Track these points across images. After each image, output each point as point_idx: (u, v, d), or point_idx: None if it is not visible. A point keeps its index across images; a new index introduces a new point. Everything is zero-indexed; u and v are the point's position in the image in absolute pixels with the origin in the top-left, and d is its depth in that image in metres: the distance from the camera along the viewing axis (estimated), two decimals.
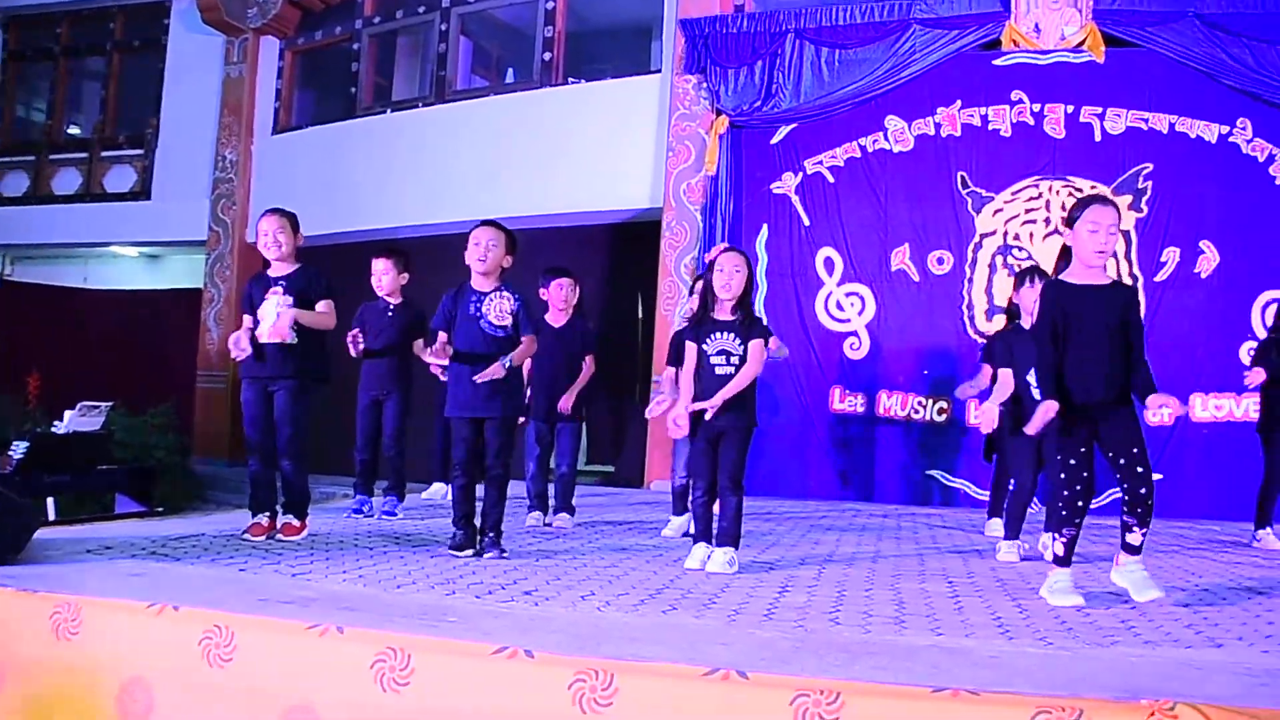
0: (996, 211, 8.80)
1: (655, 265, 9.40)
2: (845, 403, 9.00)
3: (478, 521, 4.87)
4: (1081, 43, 8.73)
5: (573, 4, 10.80)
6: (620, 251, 10.24)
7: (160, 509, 8.89)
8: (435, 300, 4.98)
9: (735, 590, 4.07)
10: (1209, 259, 8.37)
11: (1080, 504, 3.95)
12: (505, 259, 4.91)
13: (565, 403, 6.15)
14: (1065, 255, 4.14)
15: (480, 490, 4.91)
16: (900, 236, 8.89)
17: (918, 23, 8.93)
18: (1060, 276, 4.11)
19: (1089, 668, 2.95)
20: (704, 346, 4.65)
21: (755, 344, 4.63)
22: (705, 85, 9.40)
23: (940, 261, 8.85)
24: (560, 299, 6.32)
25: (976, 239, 8.82)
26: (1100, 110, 8.73)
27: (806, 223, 9.15)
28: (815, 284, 9.00)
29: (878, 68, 8.97)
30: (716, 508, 4.66)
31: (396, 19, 11.76)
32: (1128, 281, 8.39)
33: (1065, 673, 2.87)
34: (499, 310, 4.84)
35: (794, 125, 9.23)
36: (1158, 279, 8.37)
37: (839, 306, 8.96)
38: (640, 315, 9.97)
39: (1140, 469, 3.88)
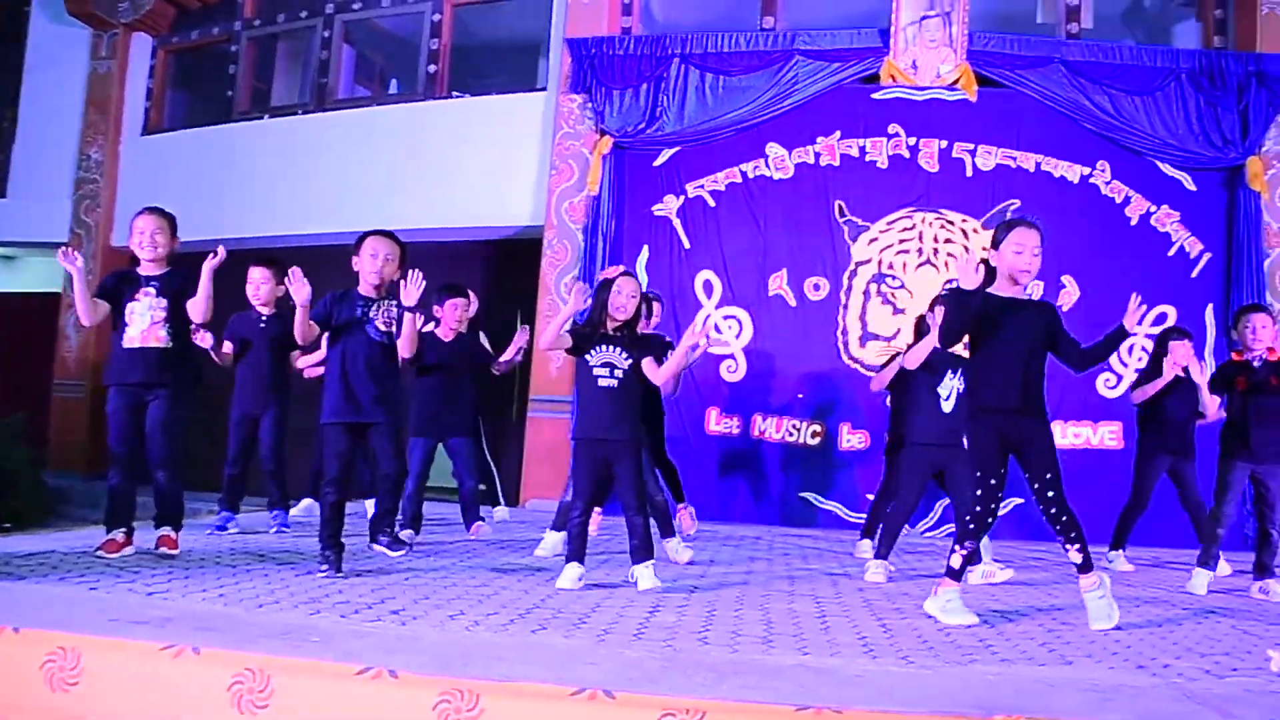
0: (872, 240, 9.03)
1: (535, 283, 9.36)
2: (721, 425, 9.09)
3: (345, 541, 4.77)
4: (956, 81, 9.06)
5: (460, 17, 10.73)
6: (500, 268, 10.16)
7: (8, 525, 8.42)
8: None
9: (606, 610, 4.05)
10: (1070, 293, 8.74)
11: (989, 520, 4.23)
12: (396, 272, 4.86)
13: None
14: (990, 275, 4.35)
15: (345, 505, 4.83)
16: (778, 262, 9.05)
17: (801, 54, 9.13)
18: (986, 290, 4.31)
19: (948, 685, 3.02)
20: (588, 358, 4.66)
21: (647, 362, 4.75)
22: (590, 105, 9.42)
23: (817, 288, 9.03)
24: (454, 318, 6.29)
25: (852, 266, 9.03)
26: (972, 147, 9.06)
27: (687, 245, 9.23)
28: (694, 306, 9.07)
29: (761, 96, 9.13)
30: (593, 528, 4.67)
31: (277, 23, 11.48)
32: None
33: (926, 690, 2.94)
34: (386, 317, 4.81)
35: (677, 148, 9.32)
36: None
37: (717, 329, 9.04)
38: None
39: (1051, 493, 4.15)
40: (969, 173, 9.06)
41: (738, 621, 3.96)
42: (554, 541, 5.79)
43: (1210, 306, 8.82)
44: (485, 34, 11.38)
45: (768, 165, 9.24)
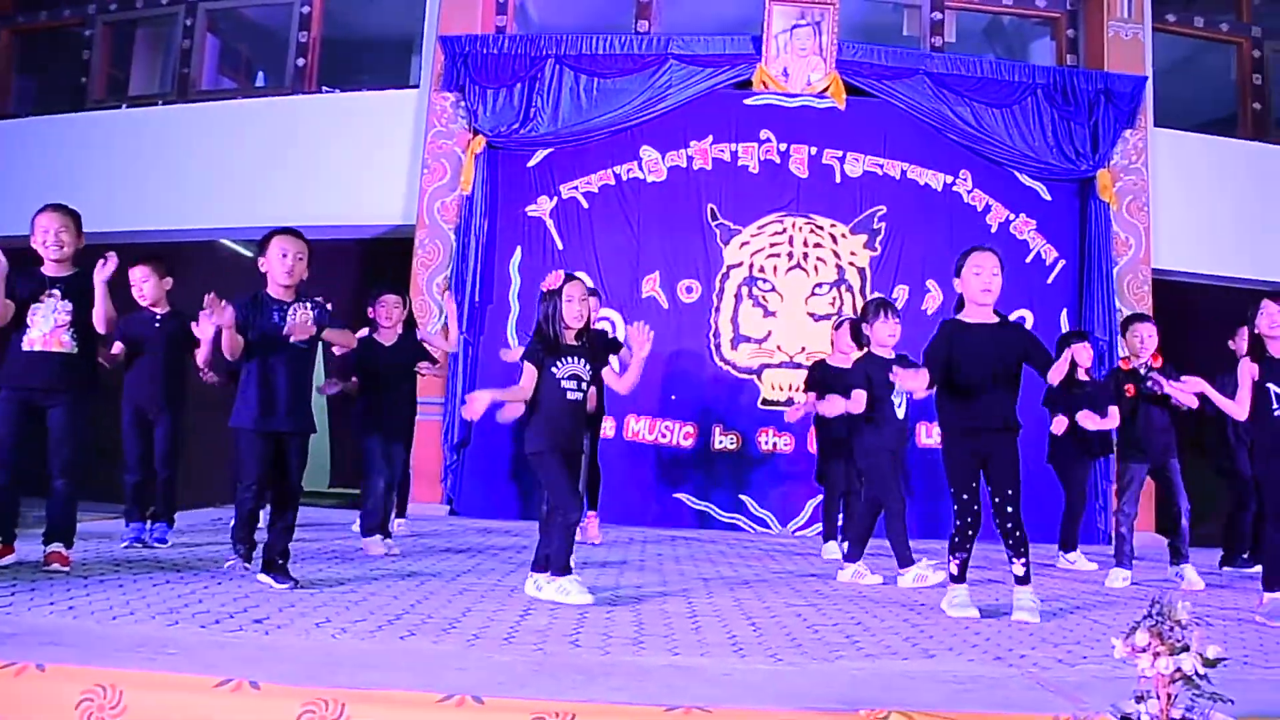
0: (743, 244, 9.16)
1: (407, 283, 9.20)
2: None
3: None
4: (826, 89, 9.26)
5: (330, 10, 10.48)
6: (371, 268, 9.96)
7: None
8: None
9: (477, 615, 4.00)
10: (934, 297, 9.01)
11: (971, 533, 4.47)
12: (305, 271, 4.70)
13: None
14: (960, 304, 4.66)
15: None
16: (651, 264, 9.10)
17: (675, 58, 9.21)
18: (956, 317, 4.60)
19: (814, 681, 3.07)
20: (553, 370, 4.54)
21: (609, 374, 4.94)
22: (464, 104, 9.32)
23: (689, 290, 9.11)
24: (385, 316, 6.16)
25: (724, 269, 9.14)
26: (841, 154, 9.28)
27: (560, 247, 9.21)
28: None
29: (635, 99, 9.18)
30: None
31: (136, 8, 11.00)
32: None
33: (792, 687, 2.98)
34: (303, 321, 4.62)
35: (551, 149, 9.29)
36: None
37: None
38: None
39: (1010, 508, 4.38)
40: (838, 179, 9.28)
41: (609, 623, 3.95)
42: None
43: (1064, 311, 9.23)
44: (356, 28, 11.14)
45: (641, 168, 9.28)
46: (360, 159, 9.68)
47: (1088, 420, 6.23)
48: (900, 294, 9.05)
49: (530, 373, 4.51)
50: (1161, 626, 2.37)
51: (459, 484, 8.85)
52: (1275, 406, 4.84)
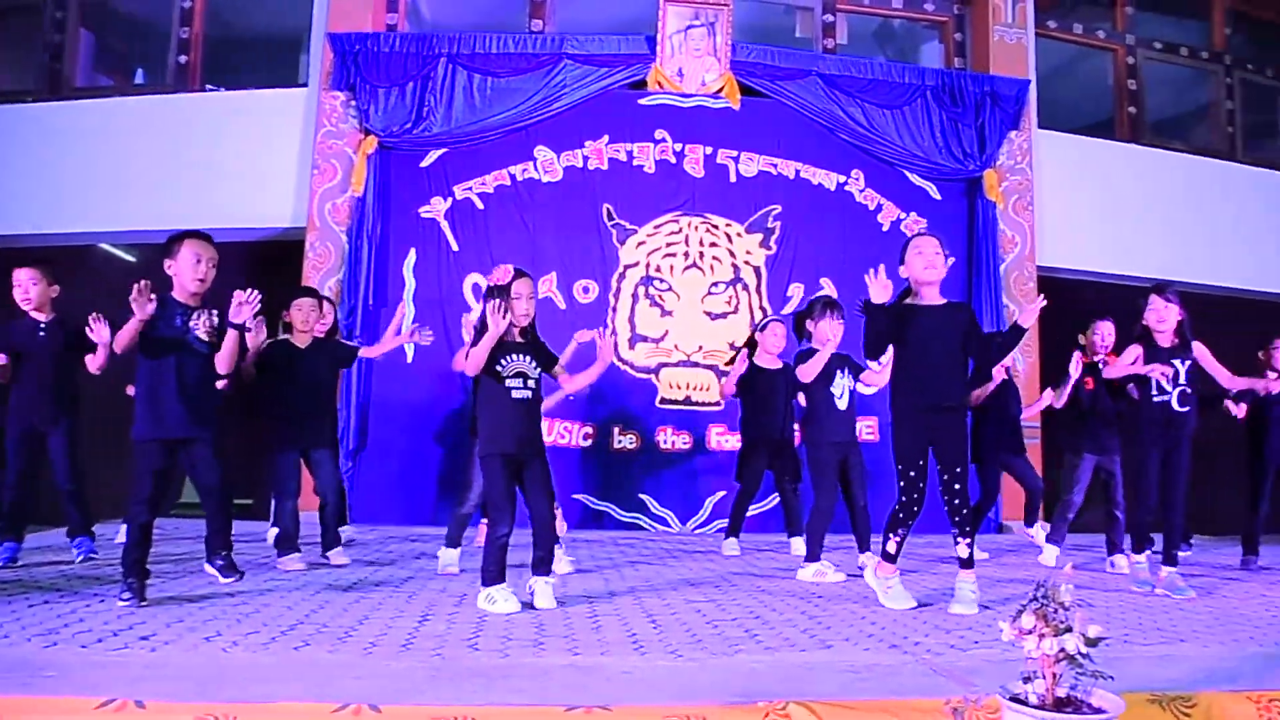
0: (639, 244, 9.15)
1: (297, 286, 8.95)
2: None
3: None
4: (720, 90, 9.32)
5: (213, 6, 10.17)
6: (260, 271, 9.63)
7: None
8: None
9: (374, 622, 3.92)
10: (828, 294, 9.10)
11: (915, 509, 4.51)
12: (213, 277, 4.63)
13: None
14: (906, 293, 4.76)
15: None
16: (547, 264, 9.02)
17: (569, 58, 9.16)
18: (907, 301, 4.68)
19: (714, 676, 3.08)
20: (499, 369, 4.46)
21: (561, 373, 4.75)
22: (354, 103, 9.12)
23: (586, 290, 9.07)
24: (300, 319, 5.97)
25: (620, 270, 9.13)
26: (736, 154, 9.34)
27: (455, 248, 9.07)
28: (463, 309, 8.93)
29: (529, 98, 9.10)
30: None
31: None
32: (759, 313, 9.00)
33: (693, 682, 2.98)
34: (208, 326, 4.55)
35: (444, 150, 9.15)
36: (784, 311, 8.97)
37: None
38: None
39: (958, 485, 4.45)
40: (733, 178, 9.34)
41: (509, 626, 3.90)
42: (450, 558, 5.56)
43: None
44: (241, 25, 10.82)
45: (536, 168, 9.21)
46: (247, 160, 9.39)
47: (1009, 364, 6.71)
48: (795, 292, 9.16)
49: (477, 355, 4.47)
50: (1046, 609, 2.45)
51: (353, 492, 8.66)
52: (1156, 393, 5.11)
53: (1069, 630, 2.42)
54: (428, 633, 3.72)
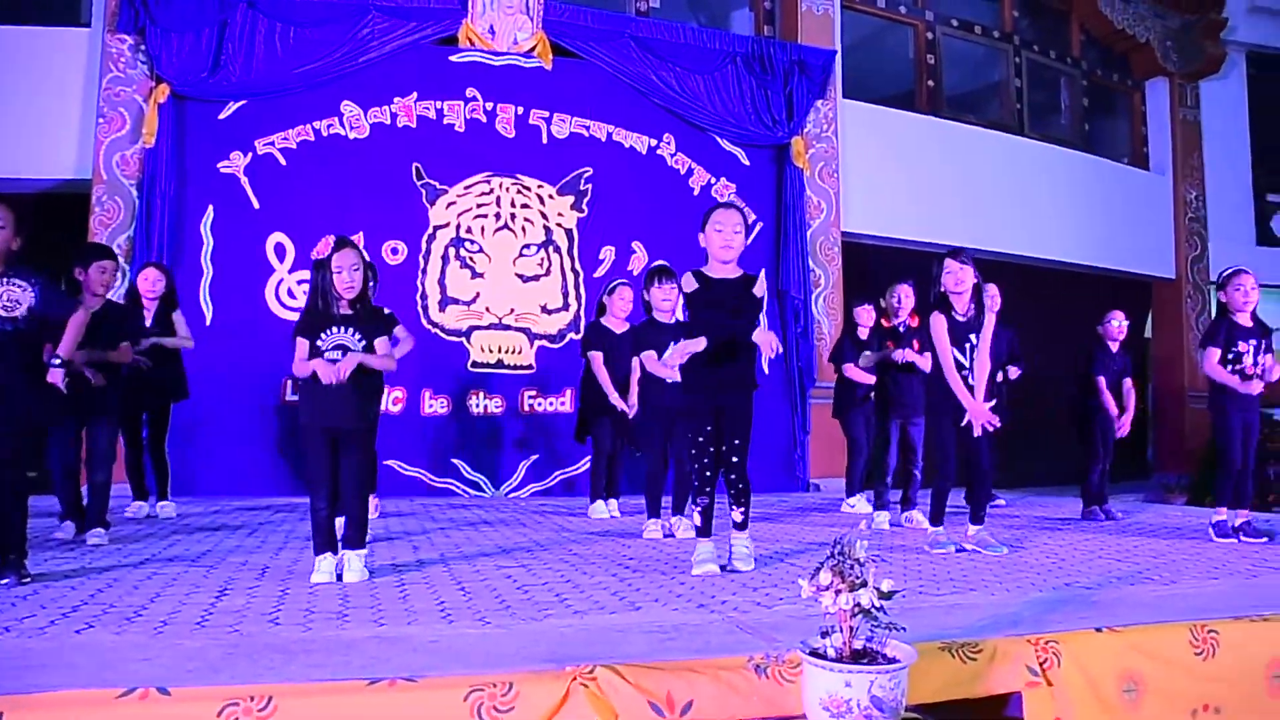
0: (450, 204, 8.98)
1: (83, 242, 8.39)
2: (297, 395, 8.67)
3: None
4: (532, 49, 9.21)
5: None
6: (41, 226, 8.96)
7: None
8: None
9: (166, 599, 3.72)
10: (639, 258, 9.20)
11: (709, 475, 4.50)
12: (14, 241, 4.16)
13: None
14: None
15: None
16: (355, 224, 8.68)
17: (376, 9, 8.86)
18: (700, 270, 4.60)
19: (523, 642, 3.06)
20: (319, 342, 4.24)
21: (381, 341, 4.39)
22: (144, 48, 8.54)
23: (395, 251, 8.85)
24: (100, 283, 5.54)
25: (430, 230, 8.94)
26: (548, 114, 9.27)
27: (256, 206, 8.66)
28: (265, 270, 8.57)
29: (335, 51, 8.77)
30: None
31: None
32: (571, 275, 8.99)
33: (501, 649, 2.95)
34: (8, 299, 4.09)
35: (244, 102, 8.70)
36: (596, 275, 9.02)
37: (290, 295, 8.58)
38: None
39: (735, 458, 4.48)
40: (545, 140, 9.26)
41: (312, 599, 3.77)
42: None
43: (763, 271, 9.59)
44: None
45: (343, 124, 8.90)
46: (23, 104, 8.65)
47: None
48: (607, 255, 9.18)
49: (302, 345, 4.28)
50: (842, 565, 2.53)
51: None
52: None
53: (864, 585, 2.51)
54: (225, 608, 3.56)
